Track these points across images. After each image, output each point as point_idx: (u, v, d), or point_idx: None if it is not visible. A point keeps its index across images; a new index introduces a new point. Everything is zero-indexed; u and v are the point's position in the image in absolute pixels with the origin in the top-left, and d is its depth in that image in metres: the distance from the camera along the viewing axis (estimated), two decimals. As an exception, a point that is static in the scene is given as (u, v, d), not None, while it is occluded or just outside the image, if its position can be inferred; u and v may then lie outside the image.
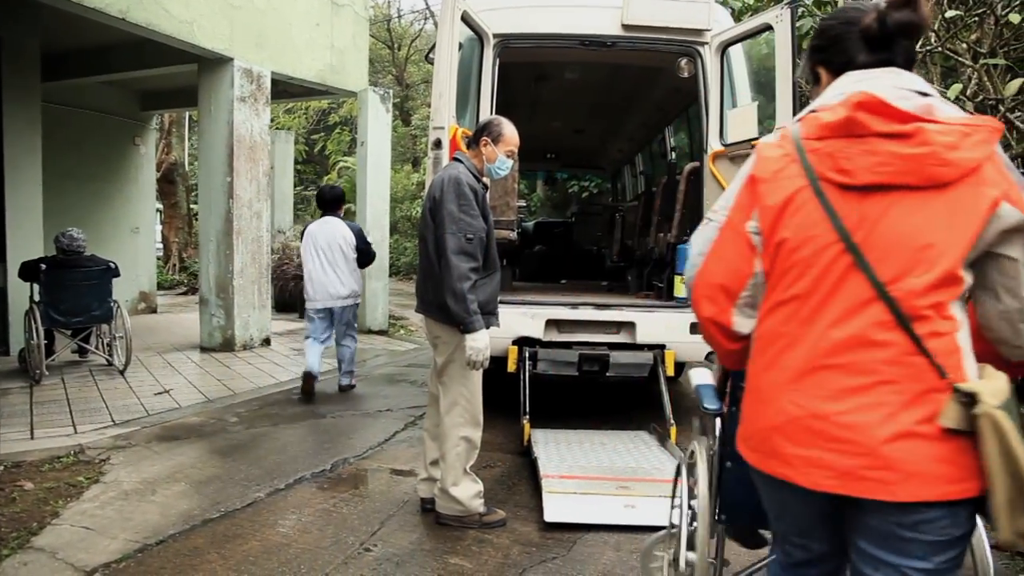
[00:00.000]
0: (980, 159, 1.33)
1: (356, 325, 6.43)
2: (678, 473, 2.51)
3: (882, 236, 1.36)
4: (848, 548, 1.51)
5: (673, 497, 2.57)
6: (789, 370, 1.44)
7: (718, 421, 2.15)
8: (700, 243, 1.63)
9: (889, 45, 1.48)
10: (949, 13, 5.80)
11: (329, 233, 6.06)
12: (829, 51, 1.57)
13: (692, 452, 2.31)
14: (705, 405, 2.19)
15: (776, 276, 1.47)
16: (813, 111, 1.50)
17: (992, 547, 1.57)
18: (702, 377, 2.45)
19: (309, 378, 6.05)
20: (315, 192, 14.89)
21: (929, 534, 1.36)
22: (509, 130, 3.56)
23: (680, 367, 5.09)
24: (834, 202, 1.39)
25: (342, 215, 6.46)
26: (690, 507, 2.27)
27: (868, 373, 1.36)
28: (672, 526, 2.49)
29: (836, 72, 1.55)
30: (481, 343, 3.28)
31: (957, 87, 5.92)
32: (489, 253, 3.45)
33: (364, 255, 6.21)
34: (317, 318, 6.13)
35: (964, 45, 6.62)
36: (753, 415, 1.52)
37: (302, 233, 6.39)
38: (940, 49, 6.35)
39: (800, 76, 1.92)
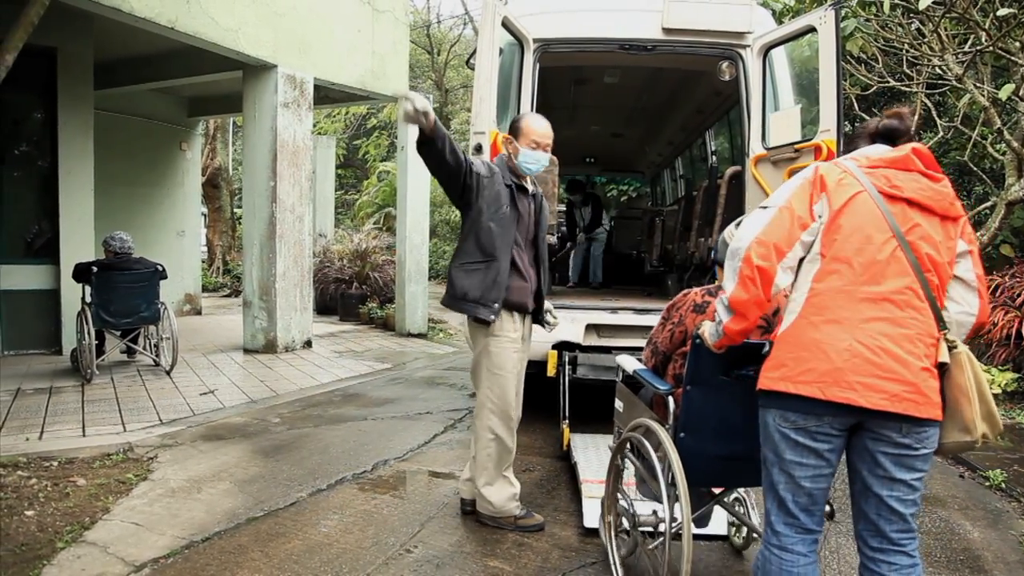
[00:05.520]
0: (963, 214, 2.08)
1: None
2: (619, 451, 2.88)
3: (918, 236, 2.00)
4: (856, 479, 2.09)
5: (612, 478, 2.95)
6: (854, 319, 1.96)
7: (671, 399, 2.51)
8: (756, 222, 2.09)
9: (883, 136, 2.22)
10: (1001, 11, 5.65)
11: None
12: (848, 147, 2.34)
13: (647, 429, 2.59)
14: (657, 386, 2.57)
15: (837, 245, 2.00)
16: (853, 159, 2.16)
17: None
18: (634, 363, 2.86)
19: None
20: (356, 196, 15.82)
21: (921, 446, 1.98)
22: (527, 121, 3.47)
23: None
24: (886, 205, 2.02)
25: None
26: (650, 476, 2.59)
27: (906, 326, 1.96)
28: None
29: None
30: (418, 101, 2.89)
31: (1009, 87, 5.78)
32: (485, 241, 3.36)
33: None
34: None
35: (1017, 44, 6.45)
36: (813, 357, 1.97)
37: None
38: (991, 48, 6.19)
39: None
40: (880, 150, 2.17)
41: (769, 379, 2.05)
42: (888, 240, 1.99)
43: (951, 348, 1.99)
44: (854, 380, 1.92)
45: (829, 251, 2.02)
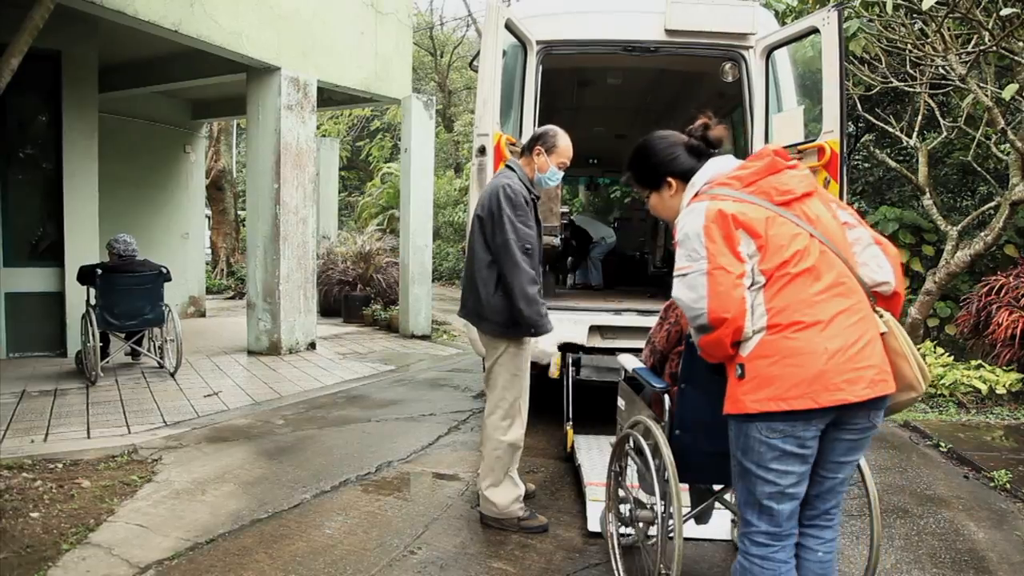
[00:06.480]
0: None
1: None
2: (619, 448, 2.94)
3: (824, 224, 2.10)
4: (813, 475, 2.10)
5: (614, 472, 3.01)
6: (821, 322, 1.98)
7: (666, 397, 2.56)
8: (694, 291, 2.06)
9: (707, 150, 2.32)
10: (1005, 11, 5.64)
11: None
12: (671, 164, 2.34)
13: (645, 427, 2.63)
14: (653, 384, 2.62)
15: (781, 264, 2.02)
16: (709, 183, 2.20)
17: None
18: (635, 362, 2.93)
19: None
20: (359, 198, 15.81)
21: (876, 425, 2.09)
22: (564, 142, 3.54)
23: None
24: (791, 212, 2.09)
25: None
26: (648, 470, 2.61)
27: (857, 311, 2.03)
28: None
29: (681, 175, 2.31)
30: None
31: (1013, 87, 5.76)
32: (535, 266, 3.41)
33: None
34: None
35: (1021, 43, 6.44)
36: (797, 365, 1.96)
37: None
38: (995, 48, 6.18)
39: (625, 183, 2.54)
40: (731, 164, 2.23)
41: (757, 401, 2.00)
42: (811, 243, 2.05)
43: (880, 317, 2.13)
44: (840, 380, 1.94)
45: (771, 275, 2.03)
